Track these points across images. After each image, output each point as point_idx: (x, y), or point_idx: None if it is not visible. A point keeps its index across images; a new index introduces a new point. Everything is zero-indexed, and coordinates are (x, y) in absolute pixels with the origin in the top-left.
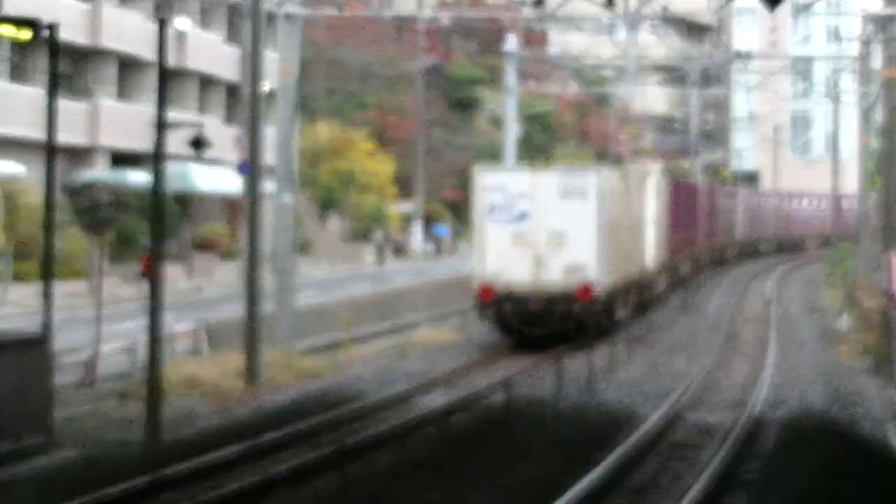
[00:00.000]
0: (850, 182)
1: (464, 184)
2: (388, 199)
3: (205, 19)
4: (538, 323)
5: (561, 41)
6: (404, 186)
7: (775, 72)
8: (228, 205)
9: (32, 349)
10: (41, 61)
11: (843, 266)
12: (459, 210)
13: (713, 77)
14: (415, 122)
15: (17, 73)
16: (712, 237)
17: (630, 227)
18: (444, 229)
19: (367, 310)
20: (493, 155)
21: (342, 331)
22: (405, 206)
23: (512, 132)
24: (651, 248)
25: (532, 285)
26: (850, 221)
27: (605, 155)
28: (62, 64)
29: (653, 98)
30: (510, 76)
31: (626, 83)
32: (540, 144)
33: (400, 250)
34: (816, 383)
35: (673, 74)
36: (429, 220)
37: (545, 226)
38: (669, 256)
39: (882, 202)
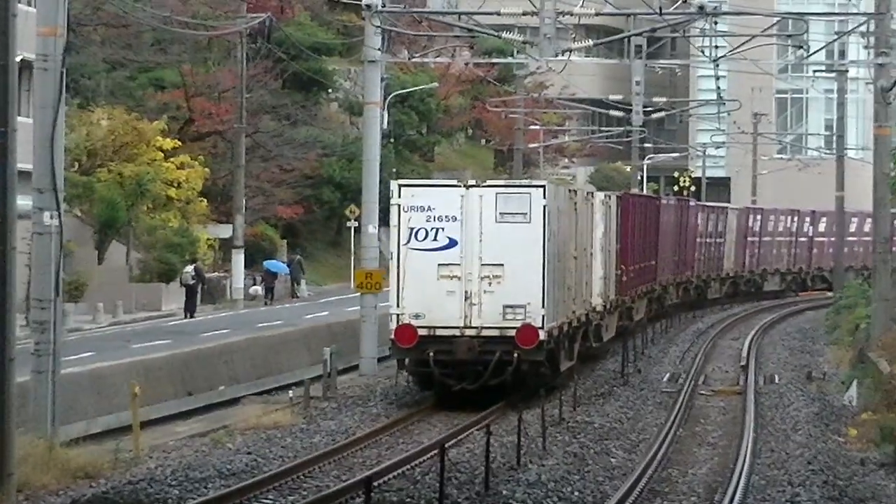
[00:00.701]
0: (860, 192)
1: (308, 196)
2: (196, 220)
3: None
4: (468, 374)
5: None
6: (220, 201)
7: (755, 35)
8: None
9: None
10: None
11: (851, 313)
12: (298, 234)
13: (666, 45)
14: (234, 108)
15: None
16: (683, 270)
17: (576, 257)
18: (279, 263)
19: (167, 379)
20: (349, 154)
21: (129, 409)
22: (221, 230)
23: (375, 121)
24: (598, 284)
25: (461, 328)
26: (859, 248)
27: (507, 154)
28: None
29: (581, 74)
30: (372, 40)
31: (540, 52)
32: (416, 139)
33: (213, 293)
34: (813, 485)
35: (609, 40)
36: (256, 250)
37: (478, 255)
38: (618, 294)
39: None
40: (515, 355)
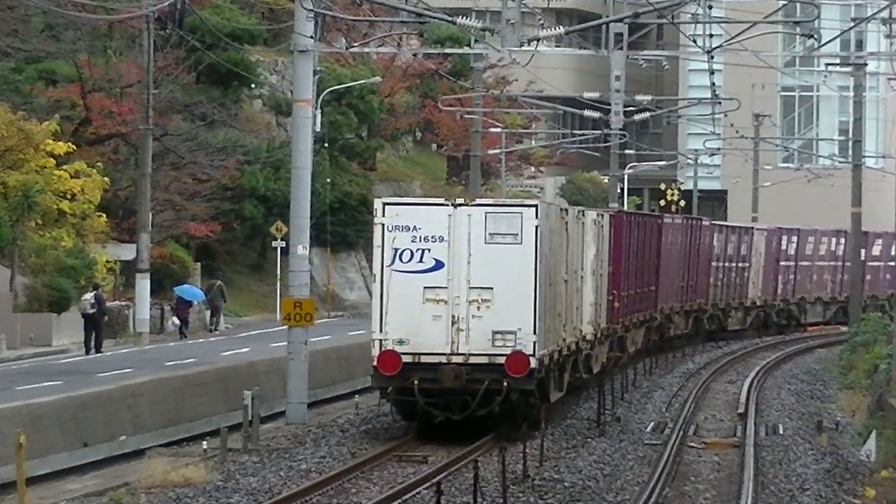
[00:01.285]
0: (880, 208)
1: (226, 212)
2: (94, 238)
3: None
4: (454, 404)
5: None
6: (122, 216)
7: (757, 22)
8: None
9: None
10: None
11: (869, 352)
12: (215, 256)
13: (651, 33)
14: (139, 106)
15: None
16: (694, 297)
17: (567, 281)
18: (194, 289)
19: (58, 427)
20: (275, 162)
21: (13, 463)
22: (123, 251)
23: (306, 123)
24: (588, 310)
25: (448, 354)
26: (880, 275)
27: (463, 162)
28: None
29: (550, 68)
30: (303, 26)
31: (502, 41)
32: (354, 143)
33: (113, 325)
34: None
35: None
36: (164, 274)
37: (466, 277)
38: (609, 322)
39: None
40: (505, 384)
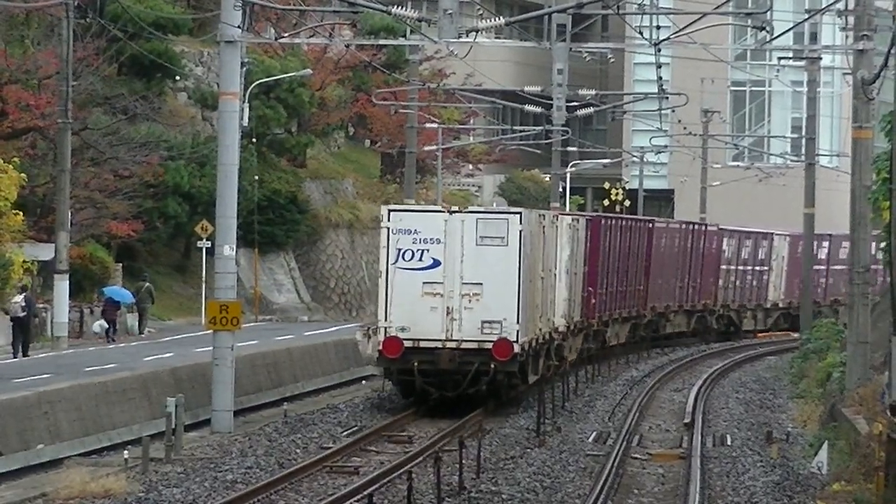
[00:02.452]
0: (835, 209)
1: (148, 210)
2: (10, 237)
3: None
4: (448, 383)
5: None
6: (40, 214)
7: (706, 13)
8: None
9: None
10: None
11: (821, 359)
12: (136, 256)
13: (596, 24)
14: (58, 98)
15: None
16: (697, 297)
17: (543, 278)
18: (123, 291)
19: None
20: (200, 158)
21: None
22: (41, 250)
23: (233, 117)
24: (561, 305)
25: (443, 340)
26: (829, 279)
27: (398, 158)
28: None
29: (490, 60)
30: (230, 15)
31: (439, 32)
32: (284, 139)
33: (32, 328)
34: None
35: (525, 18)
36: (83, 275)
37: (459, 274)
38: (585, 317)
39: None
40: (492, 366)
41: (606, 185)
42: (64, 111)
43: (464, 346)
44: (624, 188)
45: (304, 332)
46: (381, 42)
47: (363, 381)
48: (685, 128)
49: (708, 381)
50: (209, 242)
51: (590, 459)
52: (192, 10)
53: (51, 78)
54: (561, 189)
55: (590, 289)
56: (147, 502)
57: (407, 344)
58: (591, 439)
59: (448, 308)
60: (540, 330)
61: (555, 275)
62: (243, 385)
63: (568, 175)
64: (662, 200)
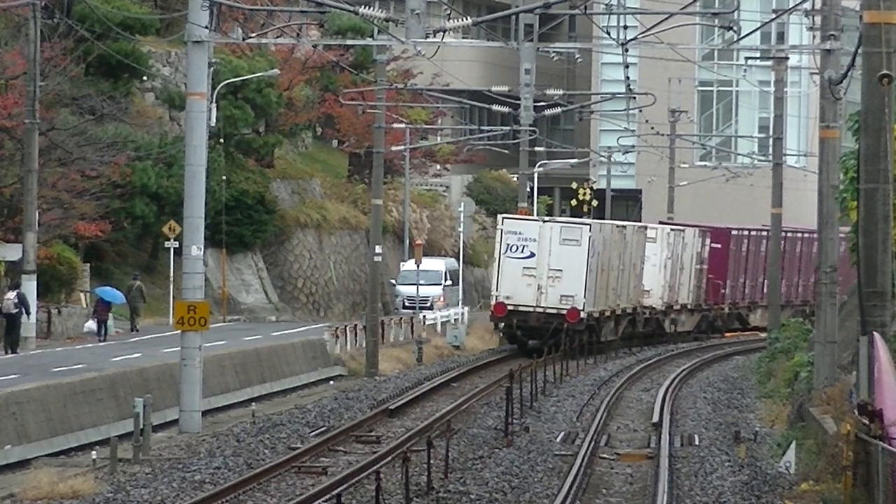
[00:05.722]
0: (801, 208)
1: (116, 210)
2: None
3: None
4: (536, 335)
5: None
6: (7, 214)
7: (673, 13)
8: None
9: None
10: None
11: (789, 359)
12: (104, 256)
13: (563, 24)
14: (25, 99)
15: None
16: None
17: (623, 270)
18: (115, 291)
19: None
20: (167, 158)
21: None
22: (8, 251)
23: (201, 117)
24: (657, 289)
25: (534, 306)
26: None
27: (365, 158)
28: None
29: (457, 60)
30: (198, 15)
31: (407, 32)
32: (251, 139)
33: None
34: None
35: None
36: (51, 276)
37: (547, 263)
38: (704, 300)
39: (864, 243)
40: (565, 325)
41: (574, 185)
42: (31, 111)
43: (548, 311)
44: (592, 188)
45: (272, 333)
46: (349, 42)
47: (331, 382)
48: (653, 128)
49: (676, 380)
50: (177, 243)
51: (558, 459)
52: (159, 11)
53: (18, 78)
54: (529, 189)
55: (718, 281)
56: (115, 503)
57: (510, 307)
58: (559, 439)
59: (538, 285)
60: (618, 305)
61: (641, 269)
62: (211, 385)
63: (535, 175)
64: (630, 200)
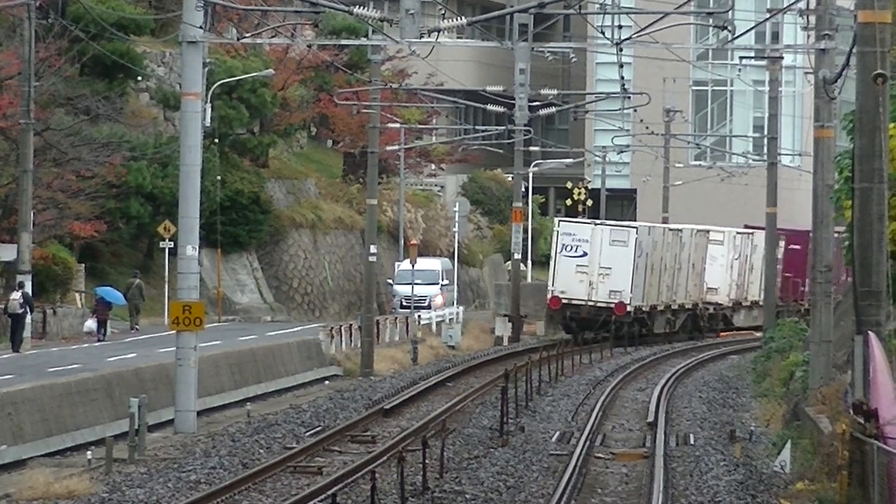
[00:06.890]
0: (796, 208)
1: (111, 210)
2: None
3: None
4: (587, 326)
5: None
6: (2, 215)
7: (668, 13)
8: None
9: None
10: None
11: (784, 359)
12: (99, 256)
13: (558, 24)
14: (20, 99)
15: None
16: None
17: (679, 269)
18: (115, 291)
19: None
20: (162, 158)
21: None
22: (4, 251)
23: (196, 117)
24: (725, 287)
25: (586, 300)
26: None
27: (360, 158)
28: None
29: (452, 60)
30: (192, 15)
31: (401, 32)
32: (246, 139)
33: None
34: None
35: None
36: (46, 276)
37: (598, 262)
38: (785, 297)
39: (859, 243)
40: (613, 318)
41: (569, 185)
42: (26, 112)
43: (598, 304)
44: (586, 188)
45: (267, 333)
46: (343, 42)
47: (326, 382)
48: (647, 127)
49: (671, 380)
50: (172, 243)
51: (553, 459)
52: (153, 11)
53: (13, 78)
54: (523, 189)
55: (797, 280)
56: (111, 503)
57: (563, 301)
58: (554, 439)
59: (590, 281)
60: (674, 301)
61: (702, 268)
62: (206, 385)
63: (530, 175)
64: (625, 200)
